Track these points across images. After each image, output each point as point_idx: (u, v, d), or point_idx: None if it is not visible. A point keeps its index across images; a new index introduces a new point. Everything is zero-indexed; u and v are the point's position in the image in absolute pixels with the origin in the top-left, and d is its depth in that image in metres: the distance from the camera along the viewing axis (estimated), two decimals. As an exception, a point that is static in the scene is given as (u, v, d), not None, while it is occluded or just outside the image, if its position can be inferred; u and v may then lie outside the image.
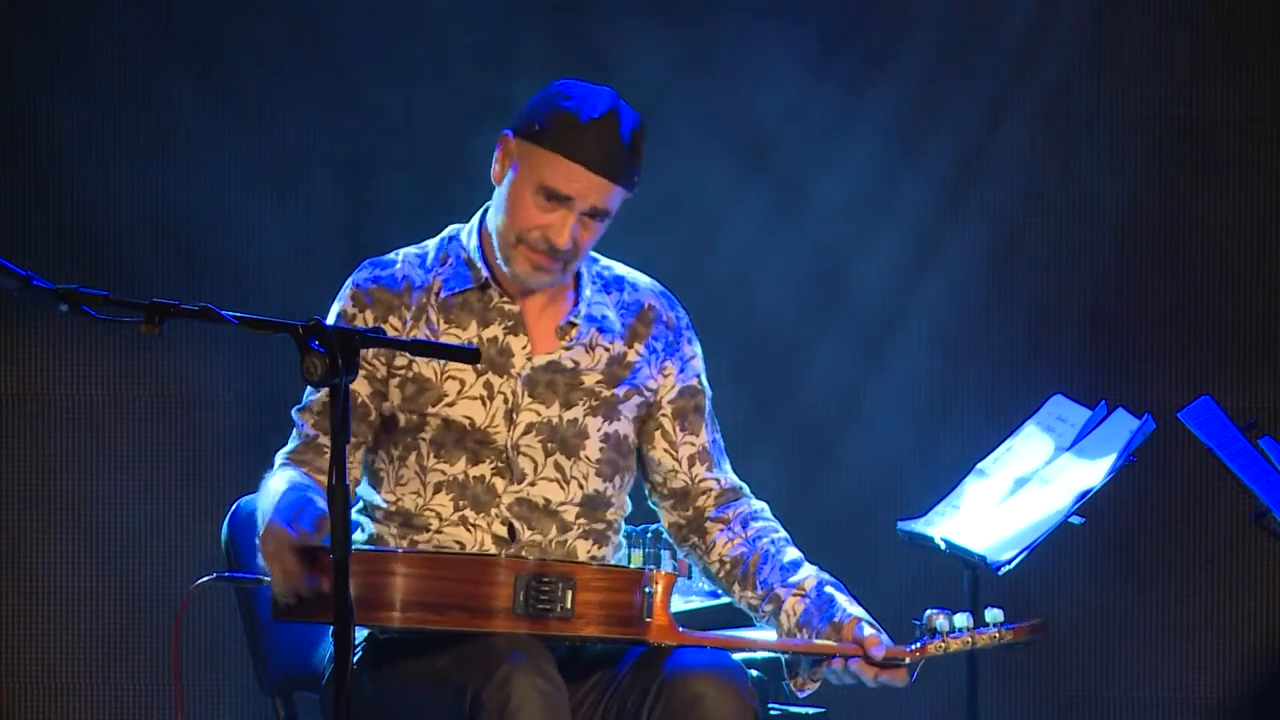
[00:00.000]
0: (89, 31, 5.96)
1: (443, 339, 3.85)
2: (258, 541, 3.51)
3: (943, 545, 4.79)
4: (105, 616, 6.02)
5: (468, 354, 3.41)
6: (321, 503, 3.49)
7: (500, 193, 3.85)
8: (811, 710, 4.95)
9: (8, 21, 5.93)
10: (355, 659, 3.71)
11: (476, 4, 5.99)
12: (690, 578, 4.79)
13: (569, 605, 3.51)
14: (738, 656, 3.82)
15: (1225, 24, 6.10)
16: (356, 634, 3.67)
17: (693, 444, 4.00)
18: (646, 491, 4.05)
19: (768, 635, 4.00)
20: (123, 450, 6.04)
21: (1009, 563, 4.69)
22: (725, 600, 4.67)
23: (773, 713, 4.87)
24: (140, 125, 5.99)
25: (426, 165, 5.95)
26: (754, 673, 4.65)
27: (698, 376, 4.03)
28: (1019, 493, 4.81)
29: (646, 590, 3.58)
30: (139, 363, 6.05)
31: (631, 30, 5.99)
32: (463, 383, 3.84)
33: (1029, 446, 4.90)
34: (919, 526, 4.86)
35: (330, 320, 3.87)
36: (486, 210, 3.93)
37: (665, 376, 3.98)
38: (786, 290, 6.13)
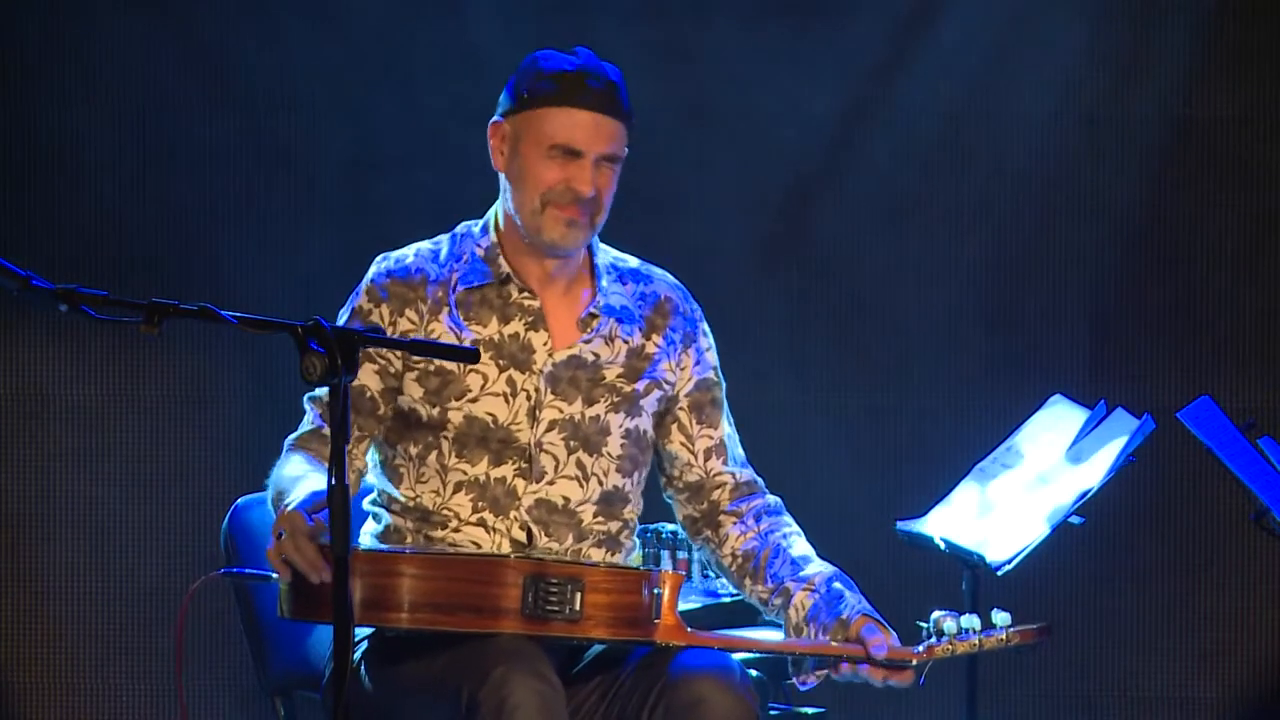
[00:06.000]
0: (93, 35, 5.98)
1: (465, 334, 3.84)
2: (272, 526, 3.47)
3: (942, 545, 4.79)
4: (105, 616, 6.02)
5: (468, 354, 3.41)
6: None
7: (510, 173, 3.85)
8: (811, 710, 4.95)
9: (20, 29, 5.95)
10: (358, 656, 3.71)
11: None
12: (690, 578, 4.79)
13: (577, 607, 3.49)
14: (740, 656, 3.81)
15: (1225, 24, 6.09)
16: (360, 631, 3.66)
17: (710, 437, 4.00)
18: (661, 484, 4.04)
19: (773, 635, 3.99)
20: (123, 450, 6.04)
21: (1009, 563, 4.68)
22: (723, 600, 4.68)
23: (772, 713, 4.87)
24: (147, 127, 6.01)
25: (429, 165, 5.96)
26: (754, 673, 4.65)
27: (714, 369, 4.04)
28: (1019, 493, 4.81)
29: (655, 591, 3.58)
30: (139, 363, 6.04)
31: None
32: (485, 378, 3.83)
33: (1029, 447, 4.89)
34: (919, 526, 4.86)
35: (344, 316, 3.88)
36: (497, 206, 3.93)
37: (682, 370, 3.98)
38: (785, 290, 6.13)
